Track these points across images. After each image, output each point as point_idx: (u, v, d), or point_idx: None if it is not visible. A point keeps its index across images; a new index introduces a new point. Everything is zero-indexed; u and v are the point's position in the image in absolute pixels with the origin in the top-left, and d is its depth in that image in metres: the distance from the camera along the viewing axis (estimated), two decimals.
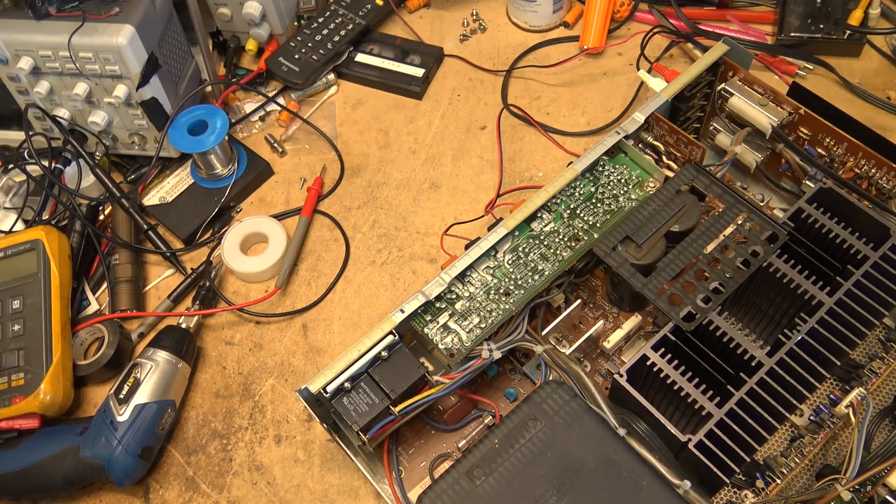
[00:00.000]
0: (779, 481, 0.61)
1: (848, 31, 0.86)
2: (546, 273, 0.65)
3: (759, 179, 0.76)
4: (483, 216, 0.81)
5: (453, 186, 0.85)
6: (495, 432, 0.56)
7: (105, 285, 0.81)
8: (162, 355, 0.71)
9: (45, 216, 0.83)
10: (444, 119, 0.91)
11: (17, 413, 0.69)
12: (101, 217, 0.86)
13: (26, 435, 0.69)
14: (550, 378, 0.66)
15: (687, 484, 0.54)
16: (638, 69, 0.86)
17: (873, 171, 0.66)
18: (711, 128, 0.75)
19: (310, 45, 0.94)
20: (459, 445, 0.66)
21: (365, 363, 0.61)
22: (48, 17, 0.77)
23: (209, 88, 0.93)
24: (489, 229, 0.67)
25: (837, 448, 0.64)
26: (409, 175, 0.87)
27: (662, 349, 0.59)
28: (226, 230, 0.83)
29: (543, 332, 0.68)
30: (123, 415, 0.68)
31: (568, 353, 0.65)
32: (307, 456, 0.71)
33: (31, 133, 0.79)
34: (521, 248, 0.67)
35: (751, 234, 0.62)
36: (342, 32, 0.95)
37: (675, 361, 0.58)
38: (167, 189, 0.87)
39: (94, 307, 0.81)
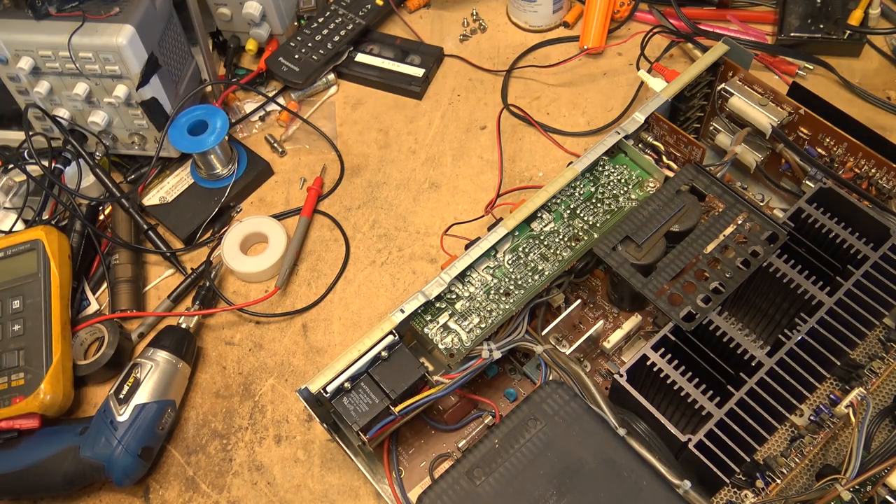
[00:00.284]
0: (779, 481, 0.61)
1: (848, 31, 0.86)
2: (546, 273, 0.65)
3: (759, 179, 0.76)
4: (483, 216, 0.81)
5: (453, 186, 0.85)
6: (495, 432, 0.56)
7: (105, 285, 0.81)
8: (162, 355, 0.71)
9: (45, 216, 0.83)
10: (444, 119, 0.91)
11: (17, 413, 0.69)
12: (101, 217, 0.86)
13: (26, 435, 0.69)
14: (550, 378, 0.66)
15: (687, 484, 0.54)
16: (638, 69, 0.86)
17: (873, 171, 0.66)
18: (711, 128, 0.75)
19: (310, 45, 0.94)
20: (459, 445, 0.66)
21: (365, 363, 0.61)
22: (48, 17, 0.77)
23: (209, 88, 0.93)
24: (489, 229, 0.67)
25: (837, 448, 0.64)
26: (409, 175, 0.87)
27: (662, 349, 0.59)
28: (226, 230, 0.83)
29: (543, 332, 0.68)
30: (123, 415, 0.68)
31: (568, 353, 0.65)
32: (307, 456, 0.71)
33: (31, 133, 0.79)
34: (521, 248, 0.67)
35: (751, 234, 0.62)
36: (342, 32, 0.95)
37: (675, 361, 0.58)
38: (167, 189, 0.87)
39: (94, 307, 0.81)
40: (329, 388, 0.59)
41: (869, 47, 0.88)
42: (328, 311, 0.79)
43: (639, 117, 0.71)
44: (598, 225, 0.68)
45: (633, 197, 0.69)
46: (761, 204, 0.77)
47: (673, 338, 0.59)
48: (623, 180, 0.70)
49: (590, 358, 0.70)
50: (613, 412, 0.59)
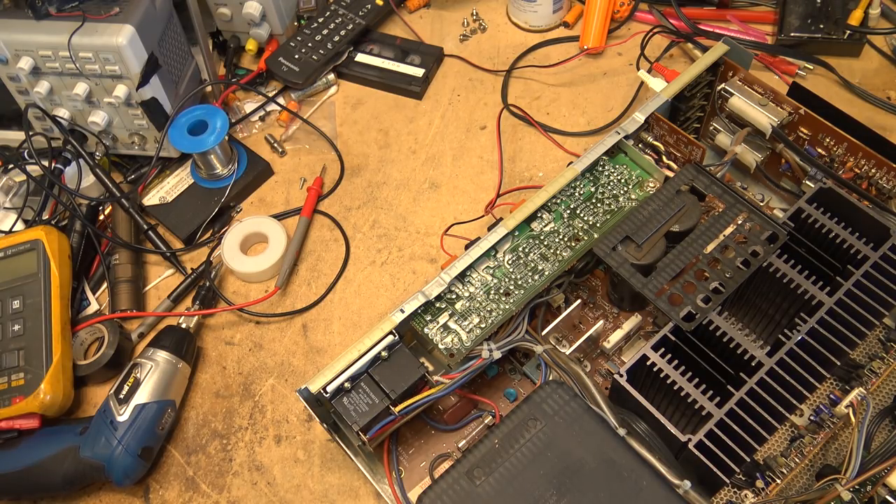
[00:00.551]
0: (779, 481, 0.61)
1: (848, 31, 0.86)
2: (546, 273, 0.65)
3: (759, 179, 0.76)
4: (483, 216, 0.81)
5: (453, 186, 0.85)
6: (495, 432, 0.56)
7: (105, 285, 0.81)
8: (162, 355, 0.71)
9: (45, 216, 0.83)
10: (444, 119, 0.91)
11: (17, 413, 0.69)
12: (101, 217, 0.86)
13: (26, 435, 0.69)
14: (550, 378, 0.66)
15: (687, 484, 0.54)
16: (638, 69, 0.86)
17: (873, 171, 0.66)
18: (711, 128, 0.75)
19: (310, 45, 0.94)
20: (459, 445, 0.66)
21: (365, 363, 0.61)
22: (48, 17, 0.77)
23: (209, 88, 0.93)
24: (489, 229, 0.67)
25: (837, 448, 0.64)
26: (409, 175, 0.87)
27: (662, 349, 0.59)
28: (226, 230, 0.83)
29: (543, 332, 0.68)
30: (123, 415, 0.68)
31: (568, 353, 0.65)
32: (307, 456, 0.71)
33: (31, 133, 0.79)
34: (521, 248, 0.67)
35: (751, 234, 0.62)
36: (342, 32, 0.95)
37: (675, 361, 0.58)
38: (167, 189, 0.87)
39: (94, 307, 0.81)
40: (329, 388, 0.59)
41: (869, 47, 0.88)
42: (328, 311, 0.79)
43: (639, 117, 0.71)
44: (598, 225, 0.68)
45: (633, 197, 0.69)
46: (761, 204, 0.77)
47: (673, 338, 0.59)
48: (623, 180, 0.70)
49: (590, 358, 0.70)
50: (613, 412, 0.59)
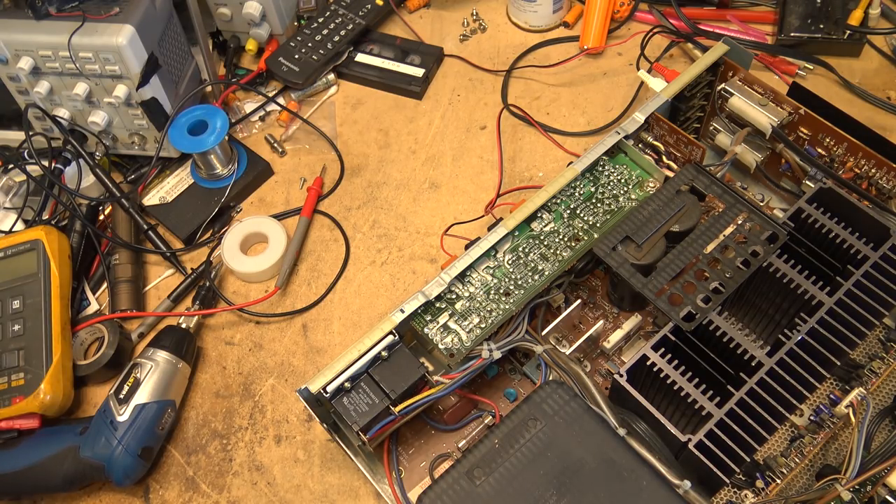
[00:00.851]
0: (779, 481, 0.61)
1: (848, 31, 0.86)
2: (546, 273, 0.65)
3: (759, 179, 0.76)
4: (483, 216, 0.81)
5: (453, 186, 0.85)
6: (495, 432, 0.56)
7: (105, 285, 0.81)
8: (162, 355, 0.71)
9: (45, 216, 0.83)
10: (444, 119, 0.91)
11: (17, 413, 0.69)
12: (101, 217, 0.86)
13: (26, 435, 0.69)
14: (550, 378, 0.66)
15: (687, 484, 0.54)
16: (638, 69, 0.86)
17: (873, 171, 0.66)
18: (711, 128, 0.75)
19: (310, 45, 0.94)
20: (459, 445, 0.66)
21: (365, 363, 0.61)
22: (48, 17, 0.77)
23: (209, 88, 0.93)
24: (489, 229, 0.67)
25: (837, 448, 0.64)
26: (409, 175, 0.87)
27: (662, 349, 0.59)
28: (226, 230, 0.83)
29: (543, 332, 0.68)
30: (123, 415, 0.68)
31: (568, 353, 0.65)
32: (307, 456, 0.71)
33: (31, 133, 0.79)
34: (521, 248, 0.67)
35: (751, 234, 0.62)
36: (342, 32, 0.95)
37: (675, 361, 0.58)
38: (167, 189, 0.87)
39: (94, 307, 0.81)
40: (329, 388, 0.59)
41: (869, 47, 0.88)
42: (328, 311, 0.79)
43: (639, 117, 0.71)
44: (598, 225, 0.68)
45: (633, 197, 0.69)
46: (761, 204, 0.77)
47: (673, 338, 0.59)
48: (623, 180, 0.70)
49: (590, 358, 0.70)
50: (613, 412, 0.59)
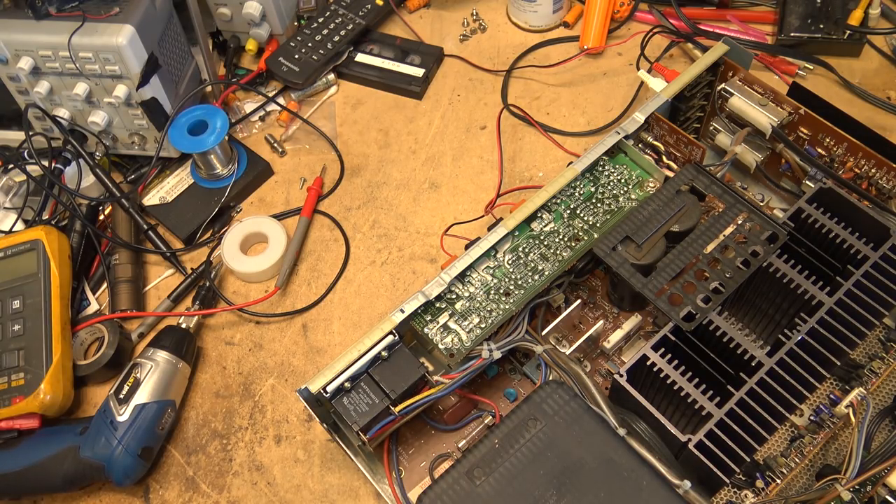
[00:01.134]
0: (779, 481, 0.61)
1: (848, 31, 0.86)
2: (546, 273, 0.65)
3: (759, 179, 0.76)
4: (483, 216, 0.81)
5: (453, 186, 0.85)
6: (495, 432, 0.56)
7: (105, 285, 0.81)
8: (162, 355, 0.71)
9: (45, 216, 0.83)
10: (444, 119, 0.91)
11: (17, 413, 0.69)
12: (101, 217, 0.86)
13: (26, 435, 0.69)
14: (550, 378, 0.66)
15: (687, 484, 0.54)
16: (638, 69, 0.86)
17: (873, 171, 0.66)
18: (711, 128, 0.75)
19: (310, 45, 0.94)
20: (459, 445, 0.66)
21: (365, 363, 0.61)
22: (48, 17, 0.77)
23: (209, 88, 0.93)
24: (489, 229, 0.67)
25: (837, 448, 0.64)
26: (409, 175, 0.87)
27: (662, 349, 0.59)
28: (226, 230, 0.83)
29: (543, 332, 0.68)
30: (123, 415, 0.68)
31: (568, 353, 0.65)
32: (307, 456, 0.71)
33: (31, 133, 0.79)
34: (521, 248, 0.67)
35: (751, 234, 0.62)
36: (342, 32, 0.95)
37: (675, 361, 0.58)
38: (167, 189, 0.87)
39: (94, 307, 0.81)
40: (329, 388, 0.59)
41: (869, 47, 0.88)
42: (328, 311, 0.79)
43: (639, 117, 0.71)
44: (598, 225, 0.68)
45: (633, 197, 0.69)
46: (761, 204, 0.77)
47: (673, 338, 0.59)
48: (623, 180, 0.70)
49: (590, 358, 0.70)
50: (613, 412, 0.59)
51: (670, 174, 0.69)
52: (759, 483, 0.61)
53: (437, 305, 0.64)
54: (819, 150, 0.69)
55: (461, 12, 1.00)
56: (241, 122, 0.92)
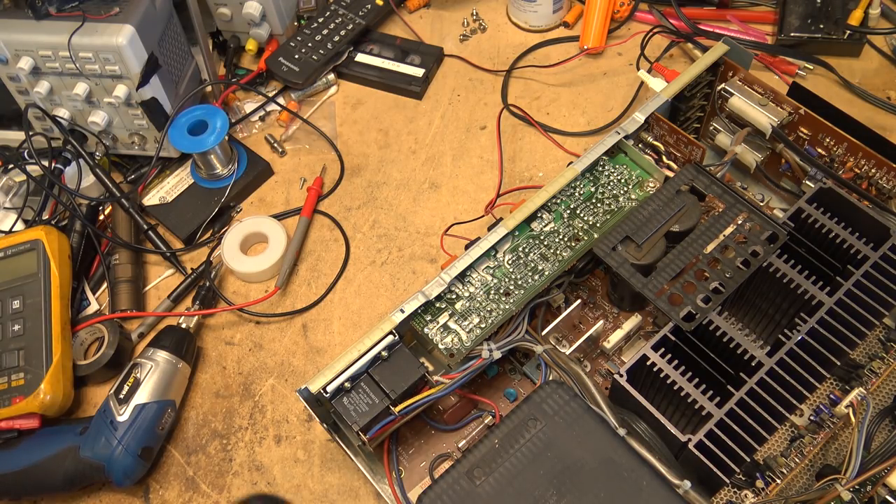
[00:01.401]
0: (779, 481, 0.61)
1: (848, 31, 0.86)
2: (546, 273, 0.65)
3: (759, 179, 0.76)
4: (483, 216, 0.81)
5: (453, 186, 0.85)
6: (495, 432, 0.56)
7: (105, 285, 0.81)
8: (162, 355, 0.71)
9: (45, 216, 0.83)
10: (444, 119, 0.91)
11: (17, 413, 0.69)
12: (101, 217, 0.86)
13: (26, 435, 0.69)
14: (550, 378, 0.66)
15: (687, 484, 0.54)
16: (638, 69, 0.86)
17: (873, 171, 0.66)
18: (711, 128, 0.75)
19: (310, 45, 0.94)
20: (459, 445, 0.66)
21: (365, 363, 0.61)
22: (48, 17, 0.77)
23: (209, 88, 0.93)
24: (489, 229, 0.67)
25: (837, 448, 0.64)
26: (409, 175, 0.87)
27: (662, 349, 0.59)
28: (226, 230, 0.83)
29: (543, 332, 0.68)
30: (123, 415, 0.68)
31: (568, 353, 0.65)
32: (307, 456, 0.71)
33: (31, 133, 0.79)
34: (521, 248, 0.67)
35: (751, 234, 0.62)
36: (342, 32, 0.95)
37: (675, 361, 0.58)
38: (167, 189, 0.87)
39: (94, 307, 0.81)
40: (329, 388, 0.59)
41: (869, 47, 0.88)
42: (328, 311, 0.79)
43: (639, 117, 0.71)
44: (598, 225, 0.68)
45: (633, 197, 0.69)
46: (761, 204, 0.77)
47: (673, 338, 0.59)
48: (623, 180, 0.70)
49: (590, 358, 0.70)
50: (613, 412, 0.59)
51: (670, 174, 0.69)
52: (759, 483, 0.61)
53: (437, 305, 0.64)
54: (819, 150, 0.69)
55: (461, 12, 1.00)
56: (241, 122, 0.92)
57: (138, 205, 0.86)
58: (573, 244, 0.67)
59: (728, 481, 0.54)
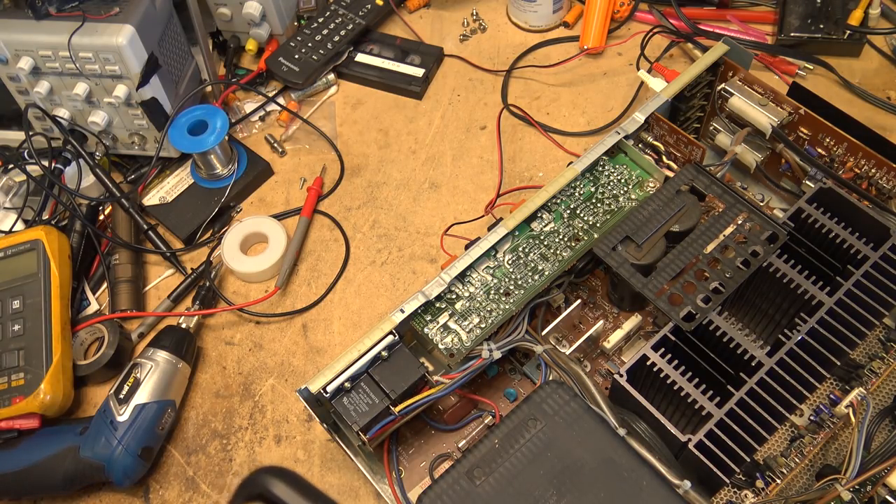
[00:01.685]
0: (779, 481, 0.61)
1: (848, 31, 0.86)
2: (546, 273, 0.65)
3: (759, 179, 0.76)
4: (483, 216, 0.81)
5: (453, 186, 0.85)
6: (495, 432, 0.56)
7: (105, 285, 0.81)
8: (162, 355, 0.71)
9: (45, 216, 0.83)
10: (444, 119, 0.91)
11: (17, 413, 0.69)
12: (101, 217, 0.86)
13: (26, 435, 0.69)
14: (550, 378, 0.66)
15: (687, 484, 0.54)
16: (638, 69, 0.86)
17: (873, 171, 0.66)
18: (711, 128, 0.75)
19: (310, 45, 0.94)
20: (459, 445, 0.66)
21: (365, 363, 0.61)
22: (48, 17, 0.77)
23: (209, 88, 0.93)
24: (489, 229, 0.67)
25: (837, 448, 0.64)
26: (409, 175, 0.87)
27: (662, 349, 0.59)
28: (226, 230, 0.83)
29: (543, 332, 0.68)
30: (123, 415, 0.68)
31: (568, 353, 0.65)
32: (307, 456, 0.71)
33: (31, 133, 0.79)
34: (521, 248, 0.67)
35: (751, 234, 0.62)
36: (342, 32, 0.95)
37: (675, 361, 0.58)
38: (167, 189, 0.87)
39: (94, 307, 0.81)
40: (329, 388, 0.59)
41: (869, 47, 0.88)
42: (328, 311, 0.79)
43: (639, 117, 0.71)
44: (598, 225, 0.68)
45: (633, 197, 0.69)
46: (761, 204, 0.77)
47: (673, 338, 0.59)
48: (623, 180, 0.70)
49: (590, 358, 0.70)
50: (613, 412, 0.59)
51: (670, 174, 0.69)
52: (759, 483, 0.61)
53: (437, 305, 0.64)
54: (819, 150, 0.69)
55: (461, 12, 1.00)
56: (241, 122, 0.92)
57: (138, 205, 0.86)
58: (573, 244, 0.67)
59: (728, 481, 0.54)
